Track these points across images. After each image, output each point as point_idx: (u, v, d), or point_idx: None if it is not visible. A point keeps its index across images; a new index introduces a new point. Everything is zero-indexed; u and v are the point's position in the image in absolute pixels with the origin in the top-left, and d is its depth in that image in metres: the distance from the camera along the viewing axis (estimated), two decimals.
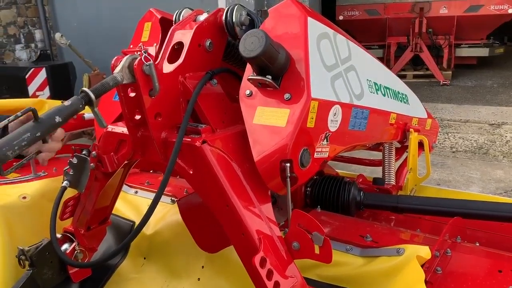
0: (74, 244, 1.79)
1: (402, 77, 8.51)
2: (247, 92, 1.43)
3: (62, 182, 1.64)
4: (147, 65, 1.29)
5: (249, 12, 1.55)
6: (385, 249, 1.53)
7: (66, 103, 1.22)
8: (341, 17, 9.67)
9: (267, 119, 1.38)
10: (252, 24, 1.55)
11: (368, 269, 1.51)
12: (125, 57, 1.30)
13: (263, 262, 1.26)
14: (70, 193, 1.71)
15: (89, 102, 1.24)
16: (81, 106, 1.24)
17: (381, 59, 9.04)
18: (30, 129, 1.17)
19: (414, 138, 2.29)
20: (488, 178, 5.05)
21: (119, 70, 1.28)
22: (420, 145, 2.39)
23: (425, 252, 1.43)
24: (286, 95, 1.37)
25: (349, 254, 1.57)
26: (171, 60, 1.45)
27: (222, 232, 1.53)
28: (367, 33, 9.57)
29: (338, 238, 1.61)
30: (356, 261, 1.55)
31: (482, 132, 6.01)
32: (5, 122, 1.15)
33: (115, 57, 1.34)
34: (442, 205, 1.89)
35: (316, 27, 1.45)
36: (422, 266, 1.41)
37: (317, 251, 1.29)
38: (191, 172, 1.41)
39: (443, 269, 1.44)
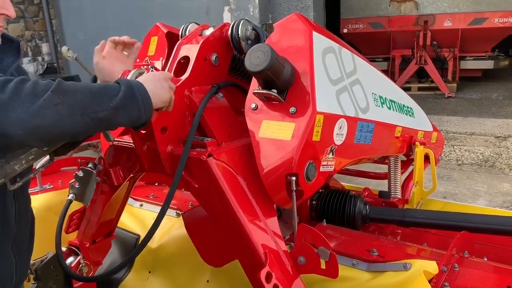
0: (79, 257, 1.78)
1: (406, 89, 8.50)
2: (253, 105, 1.44)
3: (68, 195, 1.64)
4: None
5: (254, 26, 1.57)
6: (391, 264, 1.51)
7: None
8: (345, 30, 9.72)
9: (273, 133, 1.38)
10: (257, 38, 1.56)
11: (374, 284, 1.50)
12: (132, 72, 1.31)
13: (268, 277, 1.25)
14: (75, 206, 1.72)
15: None
16: None
17: (385, 71, 9.04)
18: None
19: (420, 151, 2.28)
20: (495, 191, 5.01)
21: None
22: (426, 158, 2.38)
23: (432, 267, 1.42)
24: (292, 109, 1.38)
25: (356, 269, 1.56)
26: (177, 74, 1.46)
27: (227, 246, 1.53)
28: (371, 46, 9.60)
29: (344, 252, 1.59)
30: (362, 276, 1.53)
31: (488, 145, 5.97)
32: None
33: (122, 71, 1.35)
34: (449, 219, 1.87)
35: (321, 41, 1.46)
36: (429, 281, 1.39)
37: (323, 266, 1.28)
38: (197, 186, 1.41)
39: (450, 285, 1.42)
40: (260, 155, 1.38)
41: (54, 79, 1.04)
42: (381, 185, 2.57)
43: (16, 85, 0.97)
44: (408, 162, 2.51)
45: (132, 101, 1.13)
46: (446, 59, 9.13)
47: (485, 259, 1.66)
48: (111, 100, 1.09)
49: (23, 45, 8.13)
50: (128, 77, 1.29)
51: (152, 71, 1.34)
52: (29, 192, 2.22)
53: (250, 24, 1.55)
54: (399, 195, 2.27)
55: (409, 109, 2.25)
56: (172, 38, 1.72)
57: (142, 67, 1.45)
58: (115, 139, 1.58)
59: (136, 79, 1.24)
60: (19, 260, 1.33)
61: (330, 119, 1.44)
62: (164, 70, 1.48)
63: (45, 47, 8.64)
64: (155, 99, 1.21)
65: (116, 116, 1.11)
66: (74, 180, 1.63)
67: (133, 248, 2.14)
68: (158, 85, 1.24)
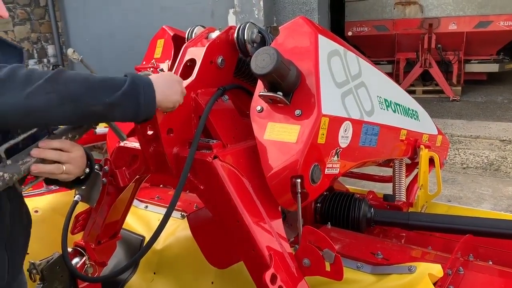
0: (84, 258, 1.79)
1: (411, 92, 8.48)
2: (258, 108, 1.45)
3: (74, 196, 1.65)
4: None
5: (260, 29, 1.58)
6: (396, 266, 1.51)
7: None
8: (350, 33, 9.71)
9: (278, 135, 1.39)
10: (263, 41, 1.57)
11: (379, 287, 1.50)
12: (139, 74, 1.32)
13: (273, 279, 1.26)
14: (81, 207, 1.73)
15: None
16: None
17: (390, 74, 9.02)
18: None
19: (424, 155, 2.28)
20: (500, 195, 4.98)
21: None
22: (431, 161, 2.38)
23: (437, 270, 1.42)
24: (297, 111, 1.38)
25: (360, 271, 1.56)
26: (184, 77, 1.47)
27: (232, 247, 1.53)
28: (376, 49, 9.59)
29: (348, 255, 1.60)
30: (367, 279, 1.53)
31: (493, 148, 5.94)
32: (10, 142, 1.12)
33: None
34: (454, 222, 1.87)
35: (326, 45, 1.47)
36: (434, 284, 1.39)
37: (328, 268, 1.29)
38: (202, 187, 1.42)
39: None
40: (265, 157, 1.38)
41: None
42: (386, 188, 2.56)
43: (11, 69, 1.00)
44: (412, 165, 2.50)
45: (131, 99, 1.12)
46: (451, 62, 9.10)
47: (490, 262, 1.66)
48: (109, 95, 1.08)
49: (29, 47, 8.17)
50: None
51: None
52: (35, 193, 2.24)
53: (256, 27, 1.56)
54: (403, 198, 2.26)
55: (414, 112, 2.25)
56: (178, 41, 1.73)
57: (148, 69, 1.45)
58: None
59: (149, 76, 1.22)
60: (12, 259, 1.32)
61: (335, 122, 1.45)
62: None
63: (50, 49, 8.69)
64: (163, 100, 1.20)
65: (111, 112, 1.10)
66: None
67: (138, 249, 2.15)
68: (170, 85, 1.24)
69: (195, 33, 1.67)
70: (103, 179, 1.61)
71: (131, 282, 2.13)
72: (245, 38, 1.52)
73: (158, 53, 1.76)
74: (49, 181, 1.30)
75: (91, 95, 1.06)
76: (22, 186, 1.17)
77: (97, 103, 1.07)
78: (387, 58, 9.78)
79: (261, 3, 6.13)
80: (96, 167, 1.63)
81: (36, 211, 2.06)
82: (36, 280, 1.65)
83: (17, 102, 0.98)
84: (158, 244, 2.10)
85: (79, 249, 1.81)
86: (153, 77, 1.22)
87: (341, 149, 1.51)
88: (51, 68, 8.49)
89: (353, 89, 1.58)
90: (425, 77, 9.38)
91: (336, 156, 1.49)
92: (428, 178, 2.36)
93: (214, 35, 1.57)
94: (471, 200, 4.84)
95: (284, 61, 1.33)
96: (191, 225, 1.86)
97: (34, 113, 1.02)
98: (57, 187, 2.42)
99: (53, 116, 1.05)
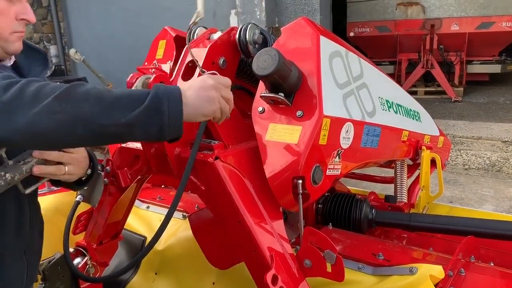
0: (86, 258, 1.80)
1: (413, 93, 8.46)
2: (260, 109, 1.45)
3: (76, 197, 1.66)
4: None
5: (262, 30, 1.58)
6: (397, 267, 1.51)
7: None
8: (352, 34, 9.71)
9: (279, 136, 1.39)
10: (265, 42, 1.57)
11: None
12: (139, 78, 1.32)
13: (275, 280, 1.26)
14: (83, 207, 1.73)
15: None
16: None
17: (391, 75, 9.02)
18: None
19: (426, 156, 2.28)
20: (502, 196, 4.97)
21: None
22: (432, 162, 2.38)
23: (438, 271, 1.42)
24: (298, 112, 1.38)
25: (361, 272, 1.56)
26: (185, 78, 1.47)
27: (233, 248, 1.54)
28: (377, 49, 9.58)
29: (350, 256, 1.60)
30: (368, 280, 1.53)
31: (495, 150, 5.93)
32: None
33: (131, 74, 1.37)
34: (455, 223, 1.87)
35: (328, 46, 1.47)
36: (435, 285, 1.39)
37: (329, 269, 1.29)
38: (203, 188, 1.42)
39: None
40: (266, 158, 1.39)
41: (69, 81, 1.00)
42: (387, 189, 2.56)
43: (20, 87, 0.92)
44: (414, 166, 2.50)
45: (154, 117, 0.98)
46: (453, 63, 9.09)
47: (492, 264, 1.66)
48: (125, 114, 0.95)
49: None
50: (135, 84, 1.29)
51: (204, 74, 1.27)
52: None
53: (257, 28, 1.56)
54: (405, 200, 2.27)
55: (415, 113, 2.25)
56: (180, 42, 1.73)
57: (150, 70, 1.45)
58: None
59: (178, 85, 1.09)
60: (30, 263, 1.33)
61: (337, 123, 1.45)
62: (172, 73, 1.49)
63: (53, 49, 8.70)
64: (193, 112, 1.06)
65: (129, 133, 0.98)
66: None
67: (139, 249, 2.15)
68: (203, 95, 1.08)
69: (197, 34, 1.67)
70: (105, 179, 1.61)
71: (133, 282, 2.13)
72: (247, 39, 1.53)
73: (160, 54, 1.76)
74: (52, 182, 1.31)
75: (103, 115, 0.95)
76: (25, 188, 1.18)
77: (111, 123, 0.95)
78: (389, 59, 9.78)
79: (263, 4, 6.14)
80: (98, 167, 1.63)
81: None
82: (37, 280, 1.65)
83: (21, 124, 0.89)
84: (160, 245, 2.10)
85: (80, 249, 1.81)
86: (187, 84, 1.10)
87: (343, 150, 1.51)
88: (53, 68, 8.51)
89: (355, 90, 1.58)
90: (427, 78, 9.37)
91: (337, 157, 1.49)
92: (429, 179, 2.36)
93: (216, 36, 1.57)
94: (472, 201, 4.83)
95: (286, 62, 1.33)
96: (192, 226, 1.86)
97: (41, 136, 0.93)
98: (59, 187, 2.42)
99: (62, 138, 0.95)
